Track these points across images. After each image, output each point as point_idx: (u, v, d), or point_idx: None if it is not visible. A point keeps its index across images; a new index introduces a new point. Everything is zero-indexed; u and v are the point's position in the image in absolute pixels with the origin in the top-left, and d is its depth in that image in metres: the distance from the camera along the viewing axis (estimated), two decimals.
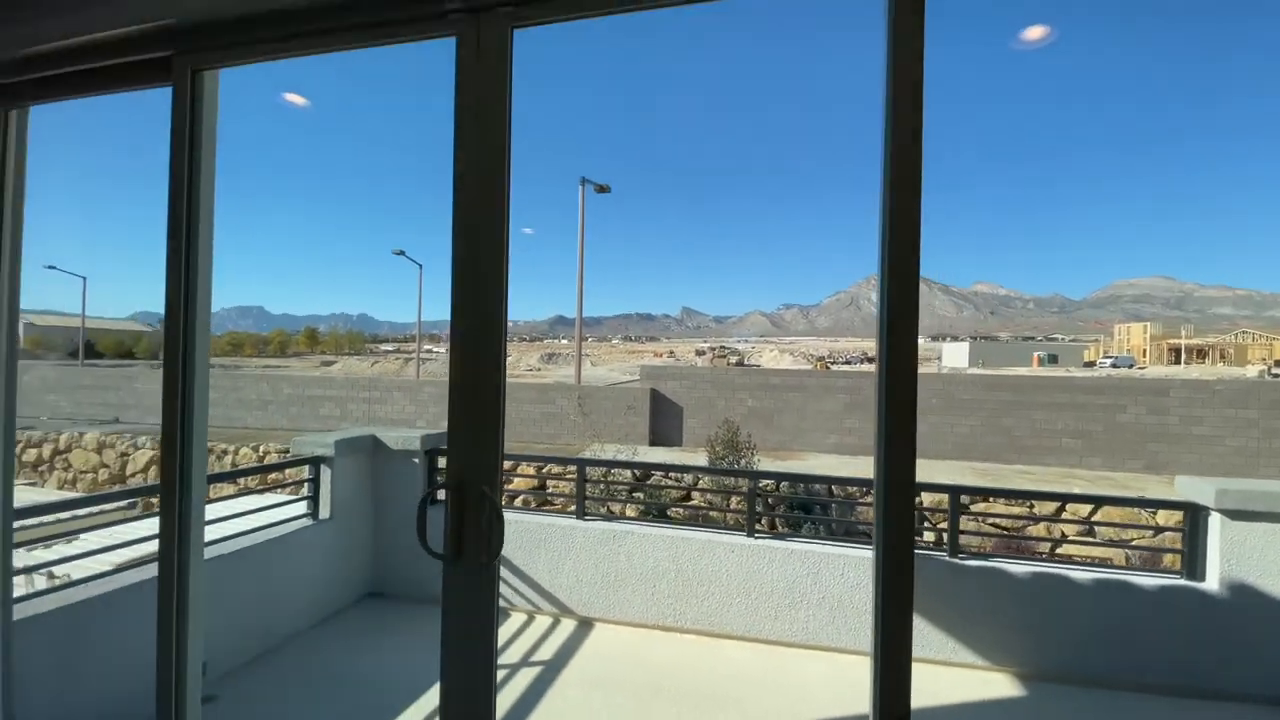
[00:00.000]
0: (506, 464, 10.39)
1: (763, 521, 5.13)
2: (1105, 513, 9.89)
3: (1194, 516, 3.03)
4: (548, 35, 1.35)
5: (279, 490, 4.75)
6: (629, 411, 16.00)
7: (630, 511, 9.72)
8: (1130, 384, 14.65)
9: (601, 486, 5.15)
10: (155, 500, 2.66)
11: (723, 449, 10.90)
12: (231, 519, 3.36)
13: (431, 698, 2.89)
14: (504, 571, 3.92)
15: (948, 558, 3.34)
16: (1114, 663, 3.01)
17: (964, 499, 3.43)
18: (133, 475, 16.26)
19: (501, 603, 3.89)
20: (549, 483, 11.75)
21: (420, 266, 32.67)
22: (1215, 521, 2.96)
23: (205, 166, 1.65)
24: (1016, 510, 8.25)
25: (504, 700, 2.92)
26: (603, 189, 21.25)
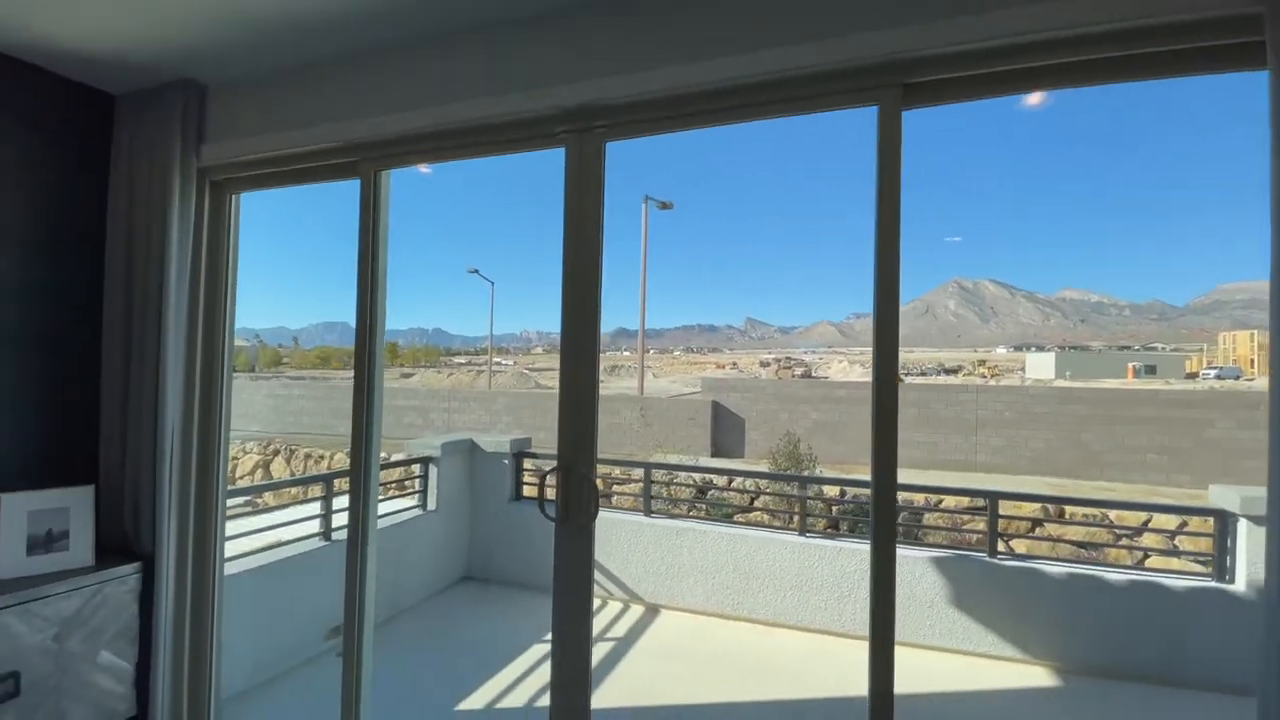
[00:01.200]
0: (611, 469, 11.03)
1: (823, 526, 5.45)
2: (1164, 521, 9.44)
3: (1223, 522, 3.18)
4: None
5: (386, 490, 5.47)
6: (690, 423, 16.41)
7: (696, 515, 10.14)
8: (1222, 398, 13.76)
9: (665, 497, 5.61)
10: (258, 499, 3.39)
11: (785, 460, 11.14)
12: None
13: (521, 663, 3.44)
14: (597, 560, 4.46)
15: (987, 558, 3.61)
16: (1145, 658, 3.20)
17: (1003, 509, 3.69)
18: (241, 477, 18.12)
19: None
20: (615, 487, 12.34)
21: (492, 284, 34.42)
22: (1243, 527, 3.11)
23: (383, 230, 2.28)
24: (1089, 522, 8.09)
25: None
26: (666, 205, 21.91)
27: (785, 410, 16.18)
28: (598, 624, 4.02)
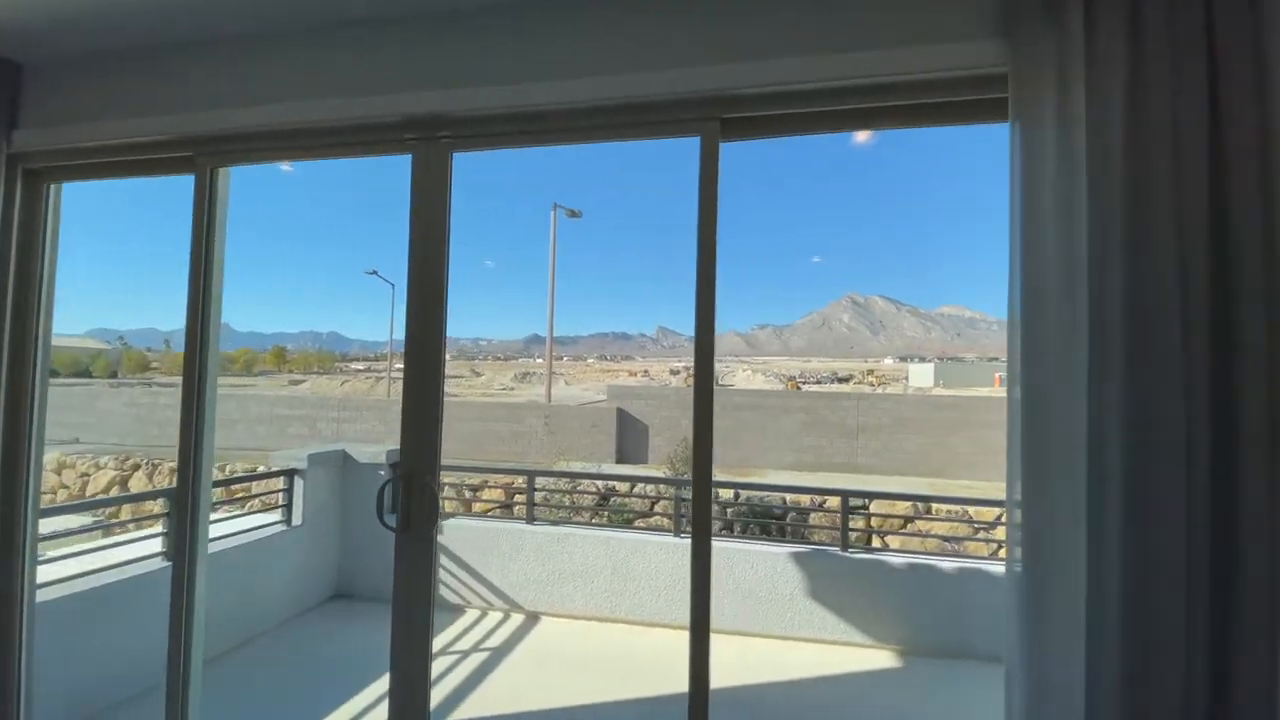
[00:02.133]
0: (475, 478, 10.74)
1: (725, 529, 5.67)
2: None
3: None
4: None
5: (246, 504, 5.09)
6: (595, 430, 16.49)
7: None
8: None
9: (567, 505, 5.64)
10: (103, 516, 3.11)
11: (682, 465, 11.45)
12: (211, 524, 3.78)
13: (385, 682, 3.32)
14: (460, 572, 4.38)
15: (840, 552, 3.93)
16: (972, 637, 3.61)
17: (857, 509, 4.02)
18: (93, 495, 16.07)
19: (456, 599, 4.35)
20: (517, 497, 12.16)
21: (393, 286, 32.89)
22: None
23: (219, 229, 2.17)
24: (953, 518, 8.96)
25: (453, 680, 3.38)
26: (574, 214, 21.95)
27: (687, 417, 16.56)
28: (474, 636, 3.97)
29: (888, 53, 1.57)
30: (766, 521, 8.81)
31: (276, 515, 4.21)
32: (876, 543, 10.59)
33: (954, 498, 8.91)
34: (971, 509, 10.55)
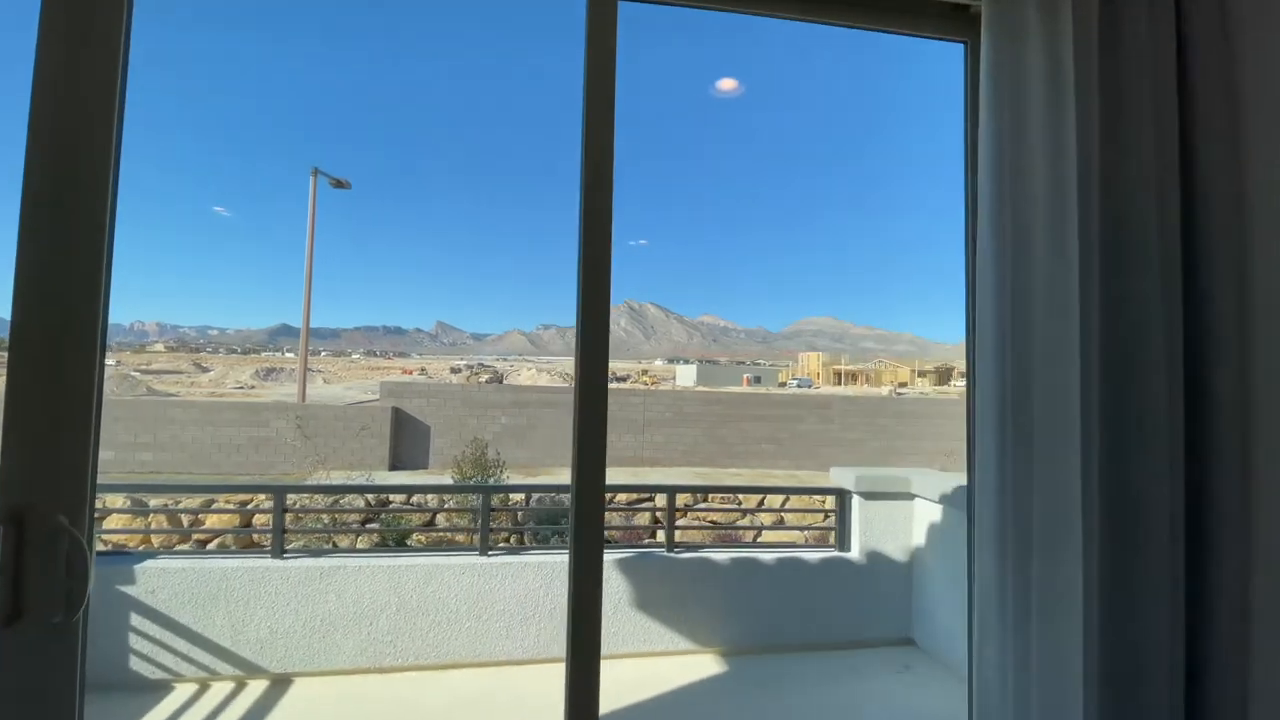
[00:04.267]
0: (194, 498, 8.42)
1: (510, 539, 5.00)
2: (790, 501, 12.07)
3: (842, 499, 3.81)
4: None
5: None
6: (365, 433, 14.41)
7: (364, 544, 8.67)
8: (808, 400, 18.23)
9: (326, 527, 4.47)
10: None
11: (470, 468, 10.46)
12: None
13: None
14: (165, 634, 3.10)
15: (666, 553, 3.64)
16: (794, 629, 3.59)
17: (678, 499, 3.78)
18: None
19: (159, 674, 3.07)
20: (257, 518, 9.84)
21: None
22: (856, 502, 3.76)
23: None
24: (727, 506, 9.53)
25: None
26: (340, 184, 19.10)
27: (474, 416, 15.48)
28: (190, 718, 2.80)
29: None
30: (560, 527, 8.37)
31: None
32: (660, 536, 10.82)
33: (795, 488, 9.50)
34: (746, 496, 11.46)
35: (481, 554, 3.51)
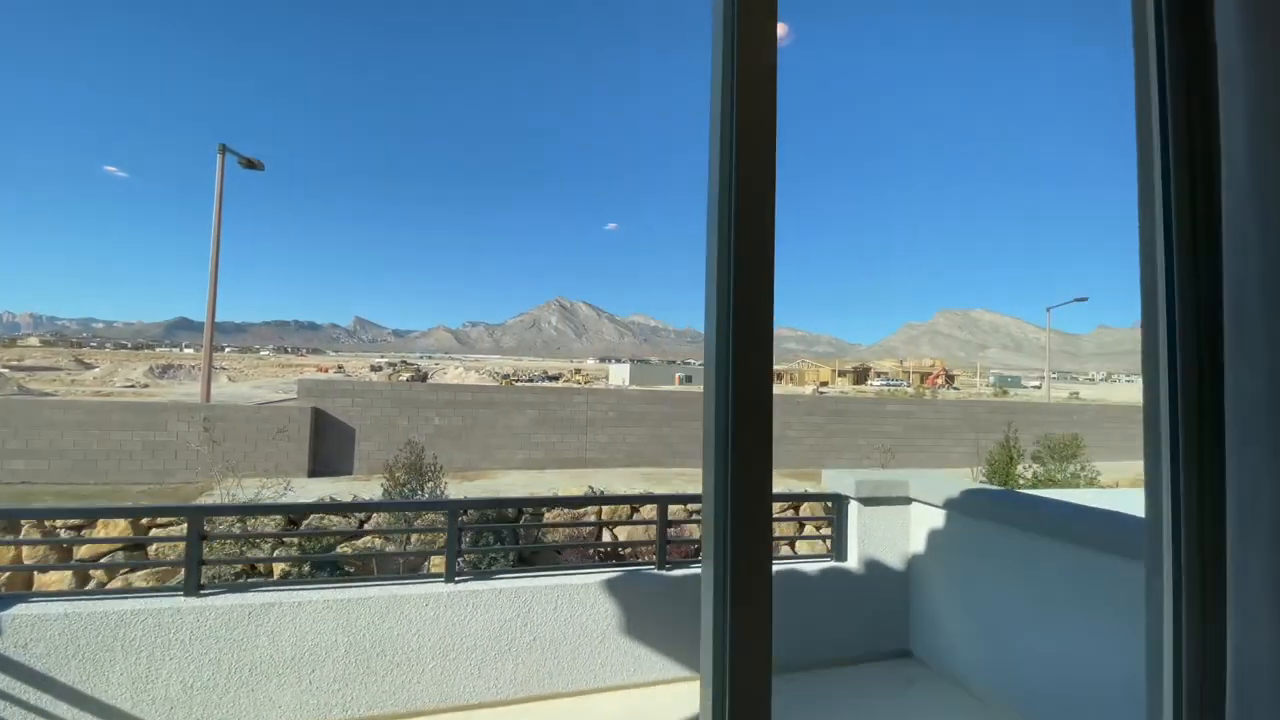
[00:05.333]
0: (105, 524, 7.26)
1: (465, 558, 4.48)
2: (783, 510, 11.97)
3: (839, 506, 3.59)
4: None
5: None
6: (281, 436, 13.17)
7: (279, 570, 7.78)
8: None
9: (239, 558, 3.80)
10: None
11: (405, 474, 9.68)
12: None
13: None
14: (45, 700, 2.45)
15: (657, 570, 3.29)
16: (792, 647, 3.32)
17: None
18: None
19: None
20: (154, 548, 8.64)
21: None
22: (853, 508, 3.55)
23: None
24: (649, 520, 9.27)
25: None
26: (253, 164, 17.47)
27: (405, 416, 14.50)
28: None
29: None
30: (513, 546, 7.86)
31: None
32: (607, 537, 10.44)
33: (790, 495, 9.28)
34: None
35: (448, 580, 3.02)
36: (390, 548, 8.91)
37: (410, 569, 8.56)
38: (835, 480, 3.62)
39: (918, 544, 3.54)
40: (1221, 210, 1.01)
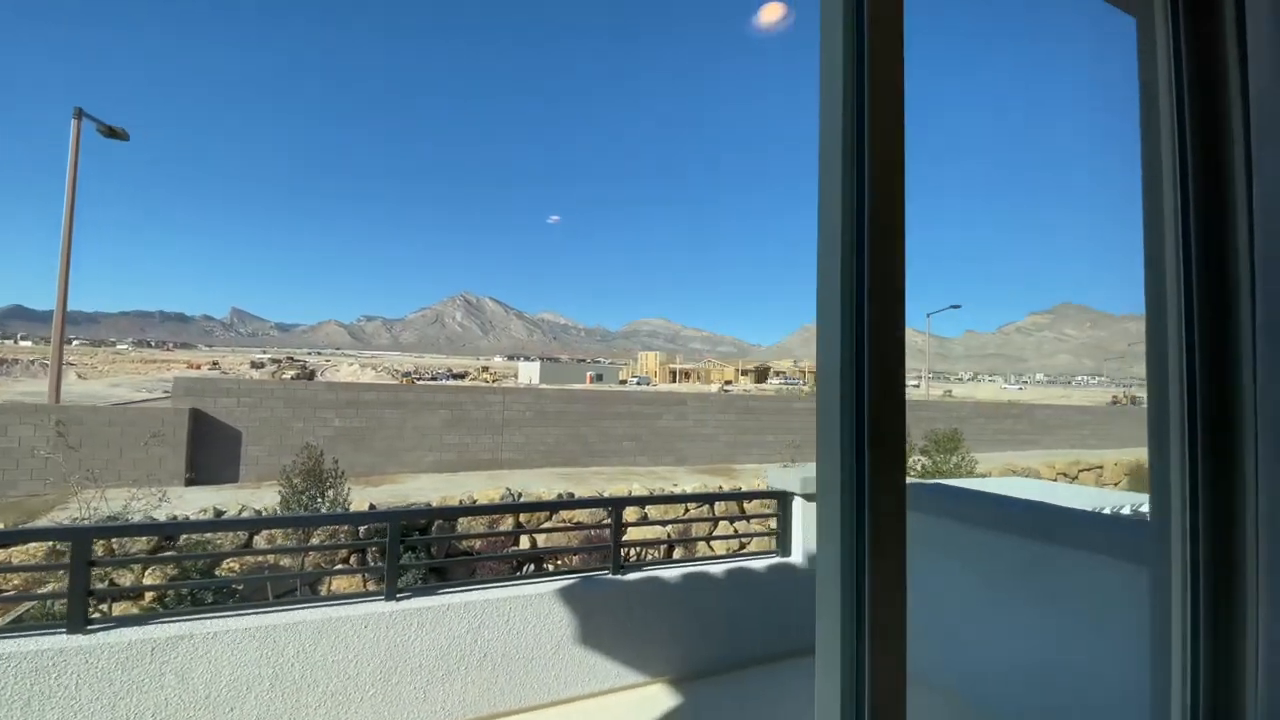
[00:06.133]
0: None
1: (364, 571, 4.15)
2: (728, 507, 12.09)
3: (784, 501, 3.67)
4: None
5: None
6: (155, 440, 11.68)
7: (151, 596, 6.89)
8: (667, 397, 18.62)
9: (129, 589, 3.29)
10: None
11: (303, 481, 8.91)
12: None
13: None
14: None
15: (611, 575, 3.20)
16: (741, 645, 3.35)
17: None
18: None
19: None
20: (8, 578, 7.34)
21: None
22: (798, 504, 3.64)
23: None
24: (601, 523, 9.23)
25: None
26: (115, 133, 15.40)
27: (300, 418, 13.34)
28: None
29: None
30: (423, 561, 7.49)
31: None
32: (526, 541, 10.25)
33: (738, 493, 9.22)
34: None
35: (389, 599, 2.78)
36: (287, 561, 8.19)
37: (311, 586, 7.89)
38: (779, 478, 3.70)
39: None
40: (1231, 223, 1.10)
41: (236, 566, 6.91)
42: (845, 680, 0.81)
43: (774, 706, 3.00)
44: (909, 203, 0.83)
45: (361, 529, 8.15)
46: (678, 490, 13.98)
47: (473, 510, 3.43)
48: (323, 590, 7.87)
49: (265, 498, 10.36)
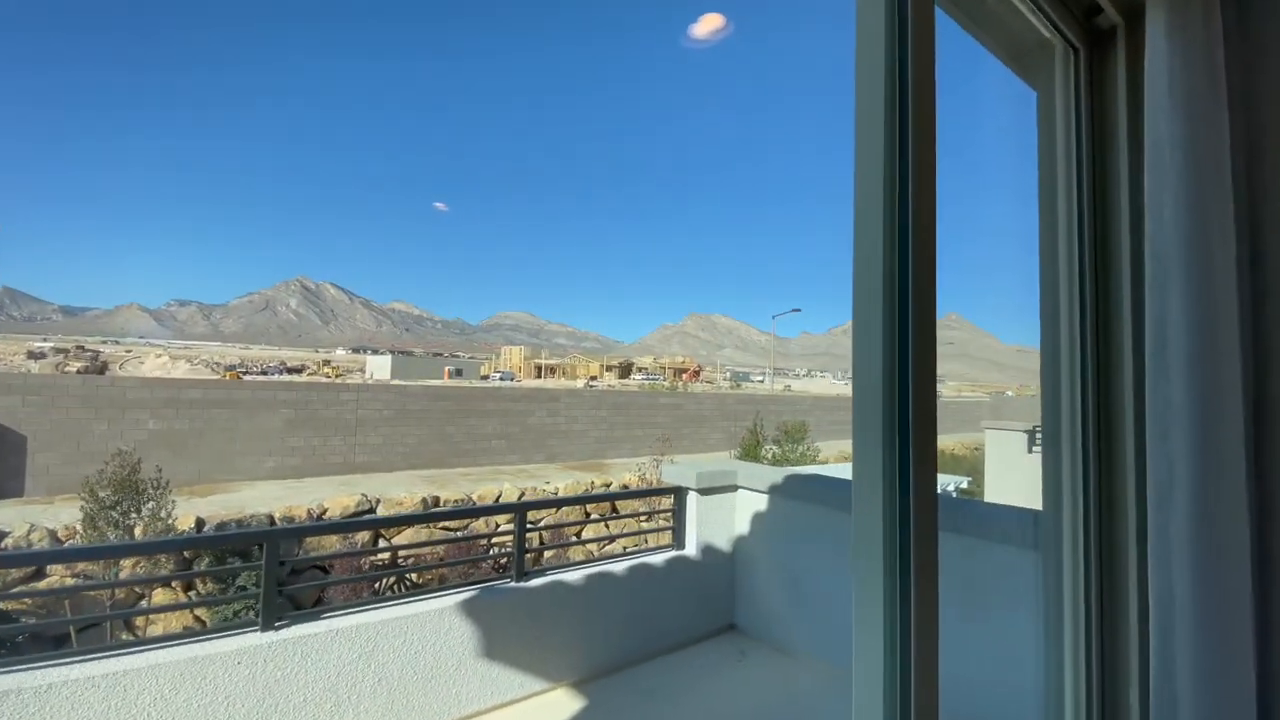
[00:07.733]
0: None
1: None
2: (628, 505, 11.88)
3: (680, 497, 3.83)
4: None
5: None
6: None
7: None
8: (540, 394, 18.38)
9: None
10: None
11: (113, 493, 7.57)
12: None
13: None
14: None
15: (515, 583, 3.14)
16: (643, 641, 3.45)
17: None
18: None
19: None
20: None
21: None
22: (692, 499, 3.82)
23: None
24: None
25: None
26: None
27: (105, 419, 11.22)
28: None
29: None
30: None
31: None
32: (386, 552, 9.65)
33: (634, 492, 8.96)
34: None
35: (265, 629, 2.48)
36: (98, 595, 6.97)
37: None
38: (675, 474, 3.86)
39: (742, 526, 3.96)
40: (1115, 267, 1.37)
41: (27, 604, 5.66)
42: (887, 684, 0.89)
43: (678, 696, 3.14)
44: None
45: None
46: (549, 488, 13.88)
47: (366, 524, 3.18)
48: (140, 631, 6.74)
49: (61, 515, 8.62)
